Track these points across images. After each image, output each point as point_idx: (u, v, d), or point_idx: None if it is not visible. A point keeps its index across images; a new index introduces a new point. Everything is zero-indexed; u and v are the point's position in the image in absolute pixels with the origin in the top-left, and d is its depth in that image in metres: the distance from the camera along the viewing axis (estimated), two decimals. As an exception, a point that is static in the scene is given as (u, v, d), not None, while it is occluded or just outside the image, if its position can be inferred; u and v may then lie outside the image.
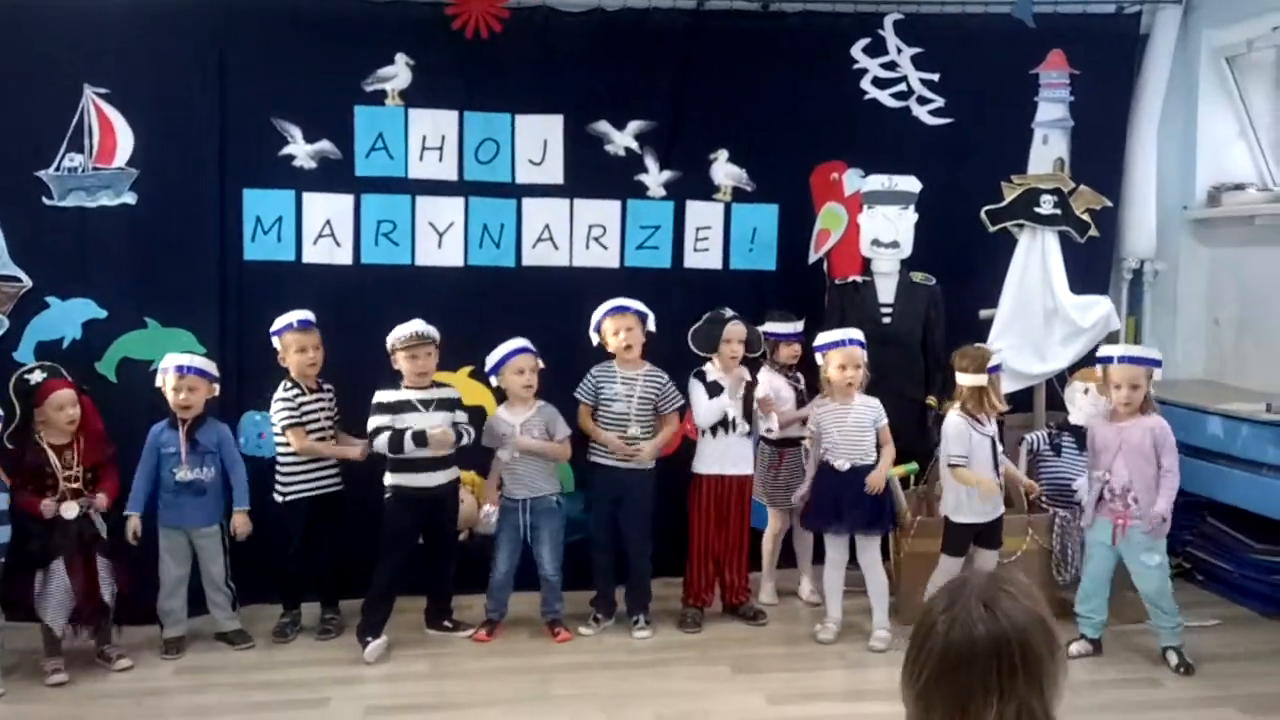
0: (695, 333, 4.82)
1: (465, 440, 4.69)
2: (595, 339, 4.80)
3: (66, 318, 5.08)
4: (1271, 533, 4.85)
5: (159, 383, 4.62)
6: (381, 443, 4.55)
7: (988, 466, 4.50)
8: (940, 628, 1.65)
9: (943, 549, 4.59)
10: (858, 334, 4.68)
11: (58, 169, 5.04)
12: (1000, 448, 4.60)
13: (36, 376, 4.40)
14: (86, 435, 4.44)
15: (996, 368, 4.60)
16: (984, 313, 5.21)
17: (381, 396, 4.63)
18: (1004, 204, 5.09)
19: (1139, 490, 4.27)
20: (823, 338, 4.70)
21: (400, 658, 4.52)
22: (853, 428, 4.60)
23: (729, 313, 4.83)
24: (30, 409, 4.35)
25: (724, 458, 4.79)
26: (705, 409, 4.75)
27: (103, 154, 5.09)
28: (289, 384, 4.74)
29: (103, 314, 5.09)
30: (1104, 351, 4.54)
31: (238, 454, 4.78)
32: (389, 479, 4.63)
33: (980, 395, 4.52)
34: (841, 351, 4.60)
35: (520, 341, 4.75)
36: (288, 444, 4.72)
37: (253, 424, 5.14)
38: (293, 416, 4.69)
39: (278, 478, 4.77)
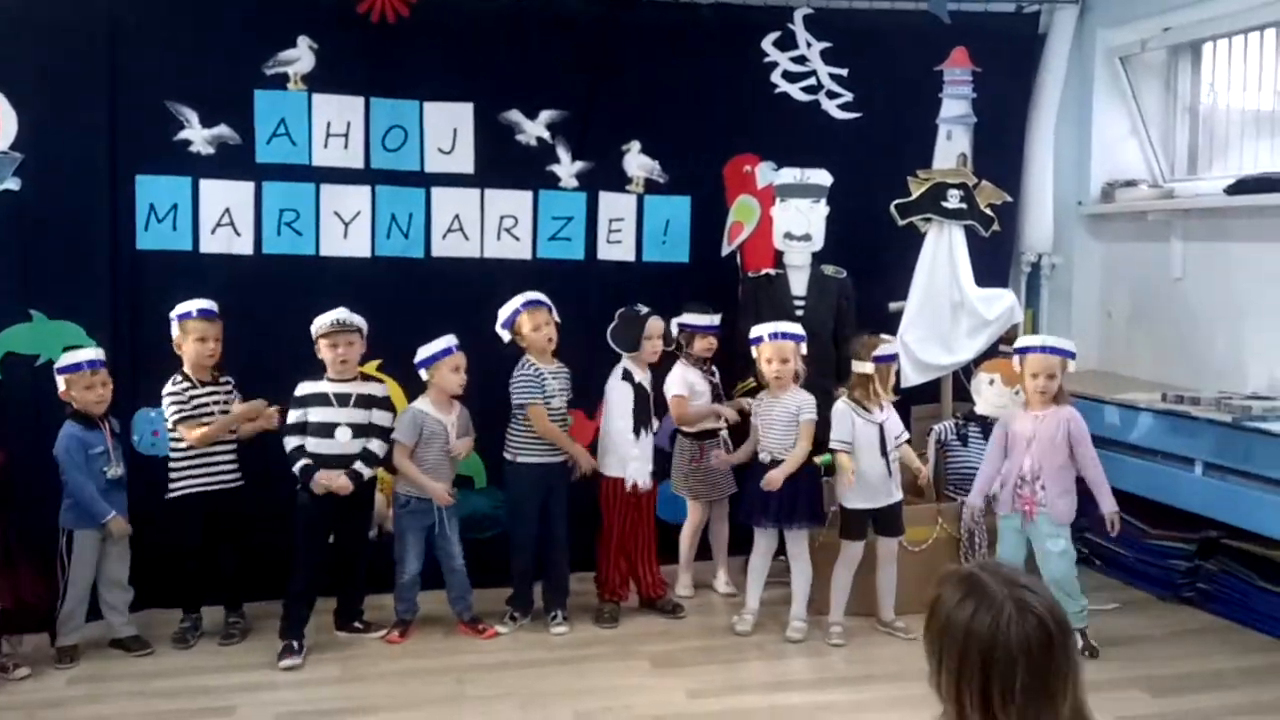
0: (614, 331, 4.79)
1: (365, 475, 4.56)
2: (506, 335, 4.72)
3: (-56, 310, 4.79)
4: (1166, 518, 5.04)
5: (60, 384, 4.38)
6: (288, 448, 4.45)
7: (874, 453, 4.56)
8: (986, 625, 1.65)
9: (841, 535, 4.65)
10: (793, 328, 4.70)
11: (-66, 152, 4.74)
12: (898, 436, 4.67)
13: None
14: None
15: (887, 357, 4.65)
16: (893, 305, 5.28)
17: (299, 389, 4.51)
18: (912, 198, 5.16)
19: (1046, 478, 4.39)
20: (756, 330, 4.71)
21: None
22: (778, 421, 4.62)
23: (644, 309, 4.81)
24: None
25: (640, 459, 4.76)
26: (621, 438, 4.73)
27: (-16, 137, 4.80)
28: (179, 377, 4.57)
29: (-16, 307, 4.80)
30: (1022, 342, 4.64)
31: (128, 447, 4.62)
32: (298, 471, 4.47)
33: (867, 383, 4.58)
34: (771, 345, 4.62)
35: (451, 339, 4.65)
36: (179, 439, 4.53)
37: (146, 421, 4.92)
38: (183, 410, 4.52)
39: (170, 474, 4.58)
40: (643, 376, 4.77)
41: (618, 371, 4.80)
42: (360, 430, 4.51)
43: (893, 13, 5.68)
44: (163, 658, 4.45)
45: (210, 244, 5.06)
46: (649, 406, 4.80)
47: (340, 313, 4.50)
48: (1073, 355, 4.52)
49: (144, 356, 4.90)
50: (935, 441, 5.17)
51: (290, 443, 4.45)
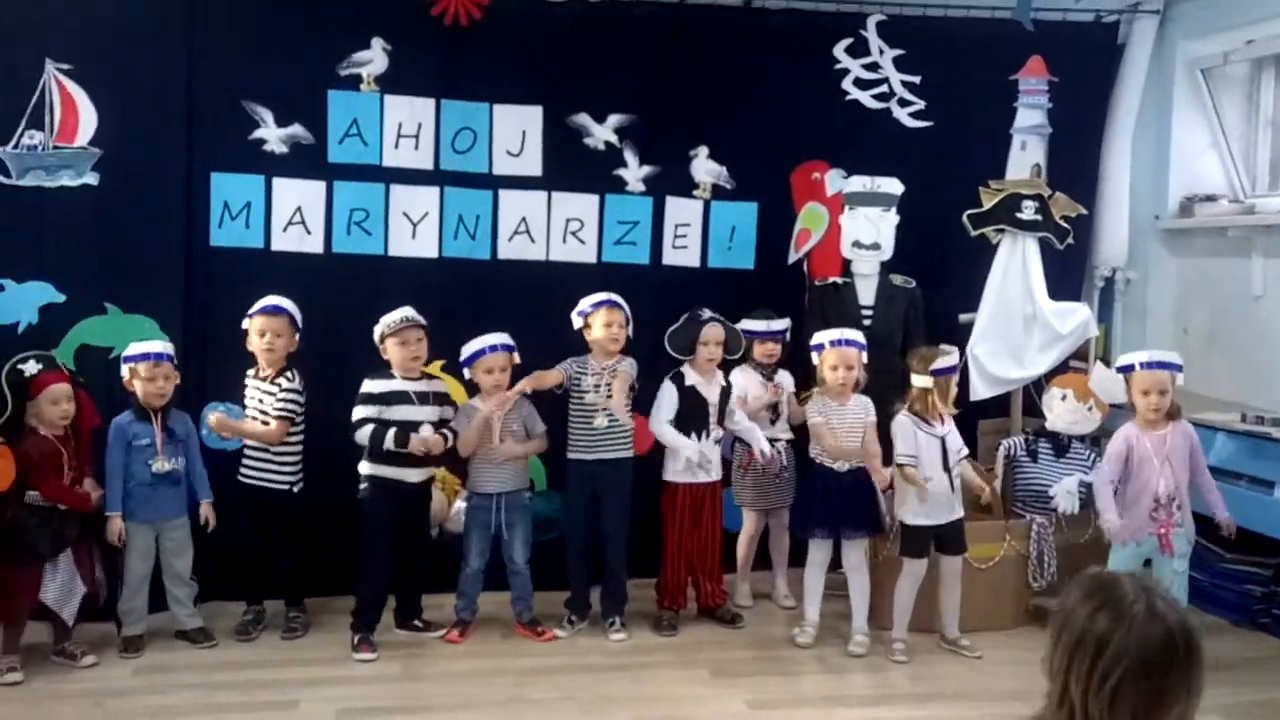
0: (672, 334, 4.76)
1: (448, 443, 4.54)
2: (579, 321, 4.70)
3: (22, 301, 4.87)
4: (1242, 542, 4.88)
5: (124, 373, 4.44)
6: (363, 435, 4.43)
7: (937, 468, 4.48)
8: (1108, 620, 1.64)
9: (901, 552, 4.57)
10: (856, 335, 4.64)
11: (16, 147, 4.83)
12: (959, 451, 4.58)
13: (31, 368, 4.23)
14: (82, 432, 4.29)
15: (946, 370, 4.56)
16: (964, 317, 5.20)
17: (370, 386, 4.49)
18: (985, 209, 5.08)
19: (1181, 497, 4.29)
20: (818, 337, 4.66)
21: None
22: (847, 429, 4.55)
23: (707, 313, 4.77)
24: (23, 402, 4.18)
25: (691, 471, 4.73)
26: (661, 430, 4.69)
27: (64, 132, 4.89)
28: (252, 371, 4.65)
29: (61, 298, 4.88)
30: (1126, 359, 4.52)
31: (200, 443, 4.66)
32: (365, 469, 4.50)
33: (926, 396, 4.50)
34: (836, 351, 4.57)
35: (495, 338, 4.64)
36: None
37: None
38: (254, 408, 4.61)
39: (241, 464, 4.66)
40: (697, 381, 4.72)
41: (674, 375, 4.76)
42: (438, 429, 4.53)
43: (967, 20, 5.59)
44: (226, 650, 4.49)
45: (281, 242, 5.11)
46: (703, 411, 4.73)
47: (408, 310, 4.51)
48: (1180, 368, 4.39)
49: (214, 352, 4.97)
50: (1004, 457, 5.07)
51: (365, 428, 4.42)
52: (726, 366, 4.88)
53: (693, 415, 4.71)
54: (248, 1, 5.02)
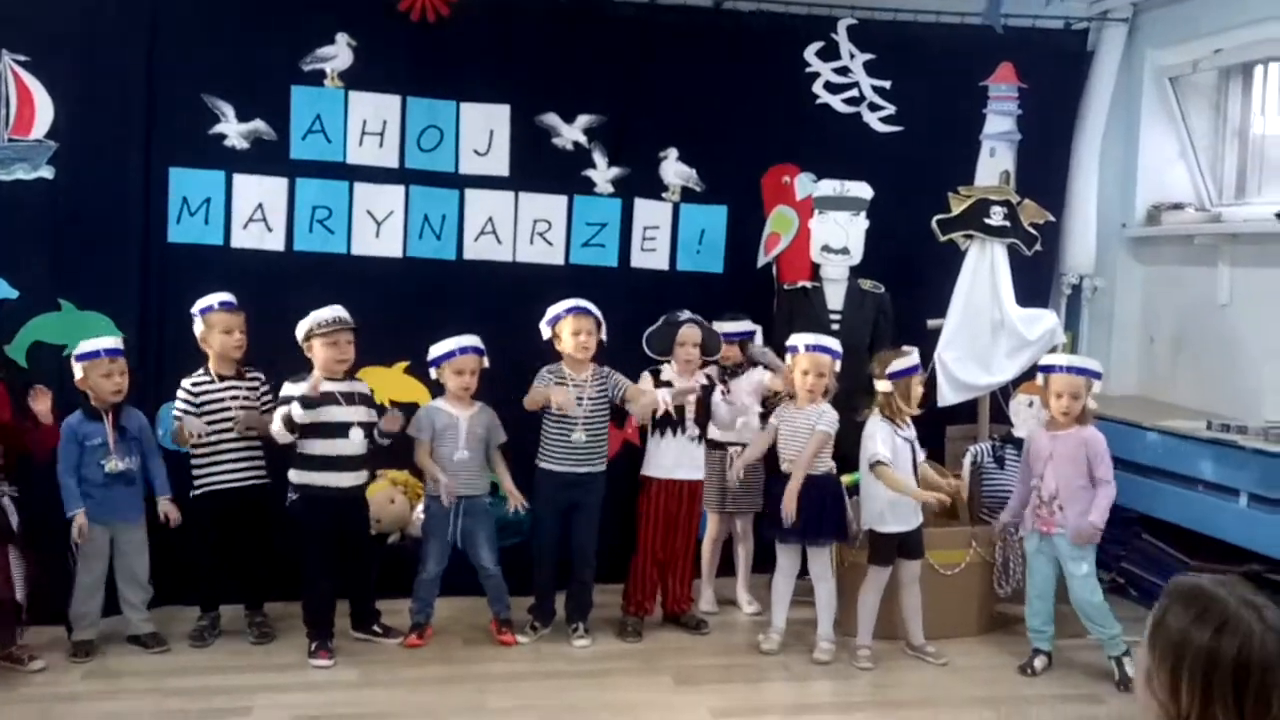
0: (650, 335, 4.70)
1: (378, 441, 4.48)
2: (547, 332, 4.64)
3: (-26, 297, 4.77)
4: (1205, 549, 4.90)
5: (77, 371, 4.33)
6: (277, 429, 4.30)
7: (908, 472, 4.46)
8: (1236, 645, 1.58)
9: (870, 560, 4.54)
10: (831, 342, 4.61)
11: (-32, 139, 4.72)
12: (919, 452, 4.56)
13: None
14: None
15: (904, 372, 4.52)
16: (931, 322, 5.17)
17: (291, 389, 4.34)
18: (954, 214, 5.06)
19: (1065, 499, 4.30)
20: (794, 339, 4.61)
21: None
22: (800, 432, 4.52)
23: (685, 315, 4.71)
24: None
25: (674, 461, 4.68)
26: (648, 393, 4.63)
27: (19, 124, 4.79)
28: (201, 371, 4.53)
29: (14, 294, 4.78)
30: (1047, 360, 4.58)
31: (155, 441, 4.55)
32: (294, 476, 4.40)
33: (889, 401, 4.48)
34: (810, 357, 4.53)
35: (466, 340, 4.57)
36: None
37: (172, 415, 4.87)
38: (189, 406, 4.48)
39: (192, 470, 4.53)
40: (673, 377, 4.66)
41: (647, 373, 4.71)
42: (368, 429, 4.45)
43: (938, 26, 5.59)
44: (179, 655, 4.39)
45: (242, 239, 5.03)
46: (679, 408, 4.64)
47: (338, 309, 4.40)
48: (1098, 375, 4.42)
49: (171, 350, 4.87)
50: (970, 463, 5.05)
51: (276, 421, 4.30)
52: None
53: (671, 413, 4.64)
54: (209, -5, 4.93)
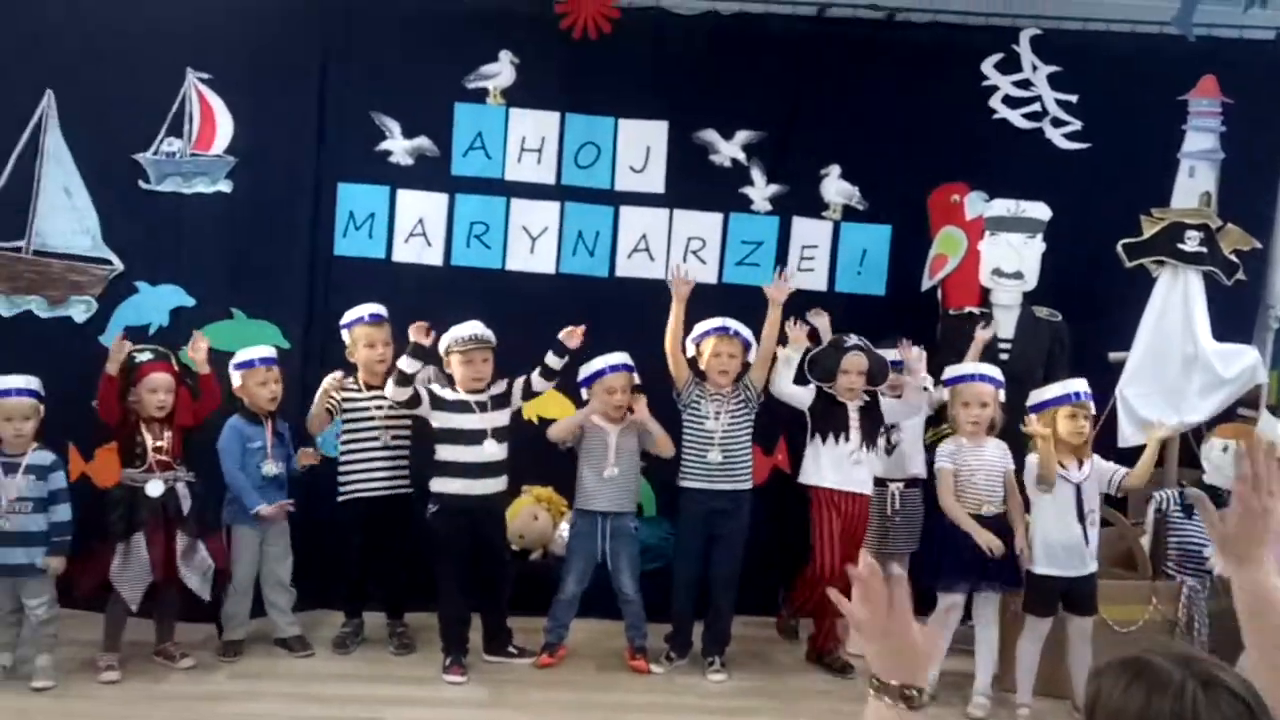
0: (813, 359, 4.50)
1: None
2: (691, 349, 4.51)
3: (155, 304, 5.03)
4: None
5: (235, 379, 4.48)
6: (390, 389, 4.32)
7: (1069, 516, 4.11)
8: (1167, 712, 1.38)
9: (1025, 608, 4.20)
10: (992, 370, 4.32)
11: (156, 153, 4.99)
12: (1110, 478, 4.19)
13: (143, 356, 4.31)
14: (175, 427, 4.32)
15: (1051, 402, 4.20)
16: (1114, 355, 4.80)
17: (439, 392, 4.38)
18: (1144, 238, 4.68)
19: None
20: (950, 371, 4.37)
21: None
22: (979, 471, 4.22)
23: (852, 340, 4.50)
24: (128, 385, 4.26)
25: (842, 471, 4.43)
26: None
27: (202, 140, 5.03)
28: (350, 379, 4.59)
29: (191, 302, 5.01)
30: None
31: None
32: (434, 486, 4.40)
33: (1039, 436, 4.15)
34: (968, 387, 4.25)
35: (617, 358, 4.51)
36: (350, 441, 4.56)
37: (336, 424, 4.98)
38: (330, 403, 4.54)
39: (338, 477, 4.60)
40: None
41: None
42: (503, 435, 4.40)
43: (1132, 36, 5.19)
44: (321, 661, 4.47)
45: (402, 253, 5.13)
46: (843, 418, 4.44)
47: (476, 326, 4.38)
48: None
49: (334, 359, 4.96)
50: (1155, 511, 4.62)
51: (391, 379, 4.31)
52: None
53: (829, 418, 4.45)
54: (380, 15, 5.06)
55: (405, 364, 4.27)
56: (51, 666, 4.08)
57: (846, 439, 4.45)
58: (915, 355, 4.44)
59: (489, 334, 4.40)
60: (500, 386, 4.45)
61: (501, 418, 4.40)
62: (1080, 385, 4.16)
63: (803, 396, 4.47)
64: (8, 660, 4.11)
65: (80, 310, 4.98)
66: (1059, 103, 5.26)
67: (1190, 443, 4.80)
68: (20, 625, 4.12)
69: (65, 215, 4.97)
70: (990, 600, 4.27)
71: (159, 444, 4.19)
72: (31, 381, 4.12)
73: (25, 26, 4.92)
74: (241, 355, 4.50)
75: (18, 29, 4.92)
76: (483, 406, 4.38)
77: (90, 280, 5.00)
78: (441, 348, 4.41)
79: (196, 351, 4.40)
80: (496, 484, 4.42)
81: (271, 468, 4.43)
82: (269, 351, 4.53)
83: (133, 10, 4.90)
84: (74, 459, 4.70)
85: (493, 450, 4.36)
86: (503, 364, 4.47)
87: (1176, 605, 4.38)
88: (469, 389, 4.37)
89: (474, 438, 4.34)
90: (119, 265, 5.00)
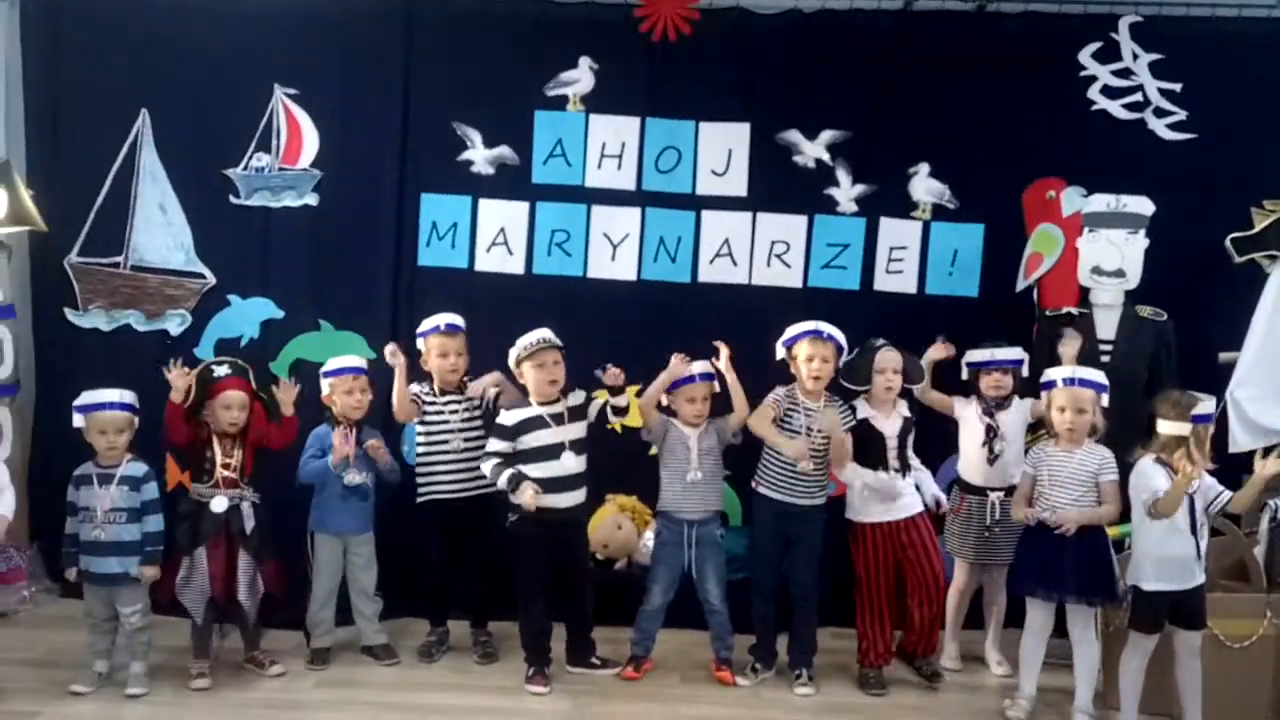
0: (847, 365, 4.36)
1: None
2: (781, 353, 4.40)
3: (246, 316, 5.15)
4: None
5: (324, 388, 4.52)
6: (487, 469, 4.29)
7: (1182, 527, 3.85)
8: None
9: (1130, 624, 3.97)
10: (1092, 374, 4.13)
11: (245, 168, 5.10)
12: (1215, 499, 3.92)
13: (220, 370, 4.36)
14: (249, 442, 4.36)
15: (1205, 417, 3.94)
16: (1224, 356, 4.54)
17: (505, 418, 4.31)
18: (1255, 231, 4.41)
19: None
20: (1050, 374, 4.19)
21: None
22: (1070, 479, 4.04)
23: (880, 341, 4.36)
24: (203, 399, 4.33)
25: (884, 501, 4.31)
26: (853, 471, 4.31)
27: (289, 155, 5.13)
28: (427, 387, 4.57)
29: (280, 314, 5.12)
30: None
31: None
32: (513, 497, 4.31)
33: (1177, 446, 3.88)
34: (1067, 392, 4.07)
35: (698, 366, 4.41)
36: (425, 445, 4.56)
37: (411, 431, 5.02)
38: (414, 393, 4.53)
39: (416, 479, 4.60)
40: (871, 414, 4.33)
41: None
42: (581, 447, 4.34)
43: (1240, 20, 4.94)
44: (407, 669, 4.48)
45: (484, 262, 5.15)
46: (880, 446, 4.30)
47: (545, 331, 4.33)
48: None
49: (418, 370, 4.99)
50: (1269, 519, 4.35)
51: (490, 464, 4.27)
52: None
53: (868, 452, 4.32)
54: (461, 25, 5.09)
55: (504, 480, 4.23)
56: (145, 674, 4.16)
57: (885, 468, 4.32)
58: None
59: (555, 338, 4.34)
60: (578, 398, 4.38)
61: (578, 430, 4.34)
62: (1210, 407, 3.95)
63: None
64: (103, 667, 4.20)
65: (175, 323, 5.12)
66: (1162, 92, 5.03)
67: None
68: (115, 633, 4.22)
69: (160, 231, 5.13)
70: (1083, 613, 4.06)
71: (228, 460, 4.24)
72: (126, 395, 4.20)
73: (120, 47, 5.09)
74: (331, 364, 4.54)
75: (113, 50, 5.09)
76: (558, 419, 4.32)
77: (185, 294, 5.14)
78: (511, 361, 4.38)
79: (286, 394, 4.44)
80: (576, 497, 4.36)
81: (354, 477, 4.46)
82: (358, 361, 4.55)
83: (221, 29, 5.04)
84: (171, 469, 4.83)
85: (571, 463, 4.30)
86: (586, 373, 4.42)
87: (1296, 621, 4.12)
88: (544, 396, 4.32)
89: (551, 452, 4.29)
90: (211, 279, 5.13)
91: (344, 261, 5.11)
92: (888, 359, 4.30)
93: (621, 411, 4.41)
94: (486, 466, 4.28)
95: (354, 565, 4.49)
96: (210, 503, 4.19)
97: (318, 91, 5.09)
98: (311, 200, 5.11)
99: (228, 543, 4.20)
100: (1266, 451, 4.21)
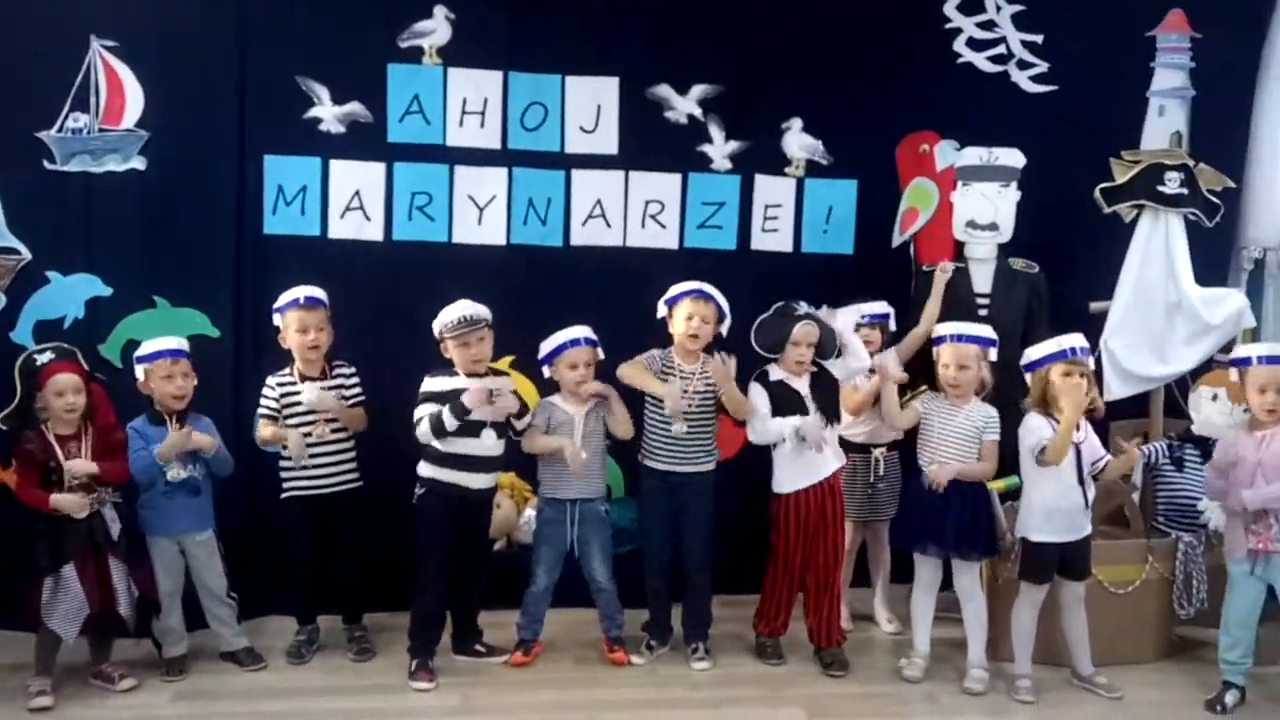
0: (760, 326, 4.18)
1: (521, 417, 4.15)
2: (662, 310, 4.24)
3: (68, 295, 4.61)
4: None
5: (139, 374, 4.09)
6: (423, 429, 4.01)
7: (1069, 478, 3.91)
8: None
9: (1020, 575, 4.02)
10: (980, 330, 4.12)
11: (60, 130, 4.56)
12: (1095, 462, 3.98)
13: (44, 357, 3.92)
14: (96, 428, 3.95)
15: (1049, 358, 3.98)
16: (1095, 306, 4.64)
17: (431, 384, 4.07)
18: (1122, 182, 4.48)
19: None
20: (938, 330, 4.17)
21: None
22: (955, 434, 4.02)
23: (802, 308, 4.19)
24: (31, 392, 3.89)
25: (807, 467, 4.17)
26: (763, 427, 4.16)
27: (110, 114, 4.60)
28: (286, 370, 4.25)
29: (108, 291, 4.62)
30: (1241, 351, 4.00)
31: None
32: (424, 470, 4.09)
33: (1044, 392, 3.95)
34: (952, 348, 4.05)
35: (578, 331, 4.21)
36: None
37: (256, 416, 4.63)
38: (269, 407, 4.22)
39: (280, 473, 4.26)
40: (784, 375, 4.19)
41: (759, 374, 4.24)
42: (502, 430, 4.12)
43: (1095, -29, 5.00)
44: (275, 673, 4.14)
45: (339, 229, 4.78)
46: (798, 402, 4.15)
47: (466, 306, 4.07)
48: None
49: (269, 349, 4.60)
50: (1144, 465, 4.47)
51: (424, 422, 4.01)
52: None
53: (786, 409, 4.18)
54: (301, -30, 4.66)
55: (450, 424, 3.97)
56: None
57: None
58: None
59: (480, 311, 4.08)
60: (506, 381, 4.17)
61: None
62: (1076, 340, 3.94)
63: (777, 429, 4.16)
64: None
65: (-15, 305, 4.56)
66: (1024, 44, 5.07)
67: (1175, 393, 4.66)
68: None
69: (-39, 201, 4.54)
70: (969, 569, 4.08)
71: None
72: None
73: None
74: (146, 347, 4.10)
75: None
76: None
77: (-4, 272, 4.58)
78: (436, 333, 4.10)
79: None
80: (489, 480, 4.14)
81: (178, 472, 4.02)
82: (177, 343, 4.12)
83: (27, -27, 4.46)
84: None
85: (490, 443, 4.07)
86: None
87: (1173, 563, 4.23)
88: (469, 372, 4.06)
89: (472, 429, 4.02)
90: (27, 254, 4.57)
91: (179, 232, 4.63)
92: (805, 332, 4.11)
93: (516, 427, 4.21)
94: (422, 429, 4.01)
95: (195, 566, 4.10)
96: (70, 510, 3.78)
97: (140, 43, 4.57)
98: (138, 164, 4.61)
99: (96, 554, 3.79)
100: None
